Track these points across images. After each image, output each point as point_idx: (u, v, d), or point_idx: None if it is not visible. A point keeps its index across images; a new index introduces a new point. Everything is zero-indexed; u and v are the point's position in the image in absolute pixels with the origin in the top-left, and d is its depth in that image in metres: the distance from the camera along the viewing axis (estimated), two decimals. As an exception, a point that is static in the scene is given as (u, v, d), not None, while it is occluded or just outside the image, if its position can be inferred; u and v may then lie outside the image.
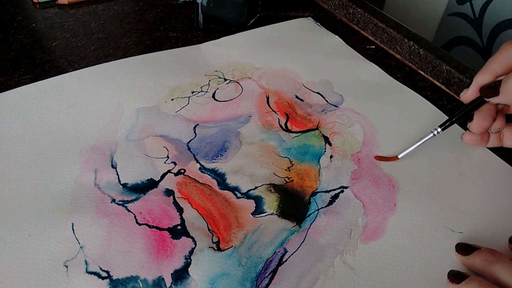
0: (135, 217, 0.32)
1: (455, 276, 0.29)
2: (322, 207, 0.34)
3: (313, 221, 0.33)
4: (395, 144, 0.40)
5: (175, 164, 0.37)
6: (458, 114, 0.37)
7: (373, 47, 0.55)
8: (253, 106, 0.43)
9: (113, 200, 0.33)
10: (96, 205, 0.33)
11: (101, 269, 0.29)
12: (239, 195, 0.35)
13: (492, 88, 0.34)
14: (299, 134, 0.40)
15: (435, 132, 0.37)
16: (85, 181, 0.34)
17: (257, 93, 0.45)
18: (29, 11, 0.56)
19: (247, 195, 0.35)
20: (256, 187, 0.35)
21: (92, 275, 0.29)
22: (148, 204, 0.33)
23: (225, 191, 0.35)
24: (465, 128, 0.38)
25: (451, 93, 0.47)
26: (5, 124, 0.39)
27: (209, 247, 0.31)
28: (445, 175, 0.37)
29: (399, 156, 0.38)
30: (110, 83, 0.44)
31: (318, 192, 0.35)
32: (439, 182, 0.37)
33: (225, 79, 0.46)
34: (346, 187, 0.36)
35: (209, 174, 0.36)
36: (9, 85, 0.43)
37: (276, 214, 0.33)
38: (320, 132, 0.41)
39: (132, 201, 0.33)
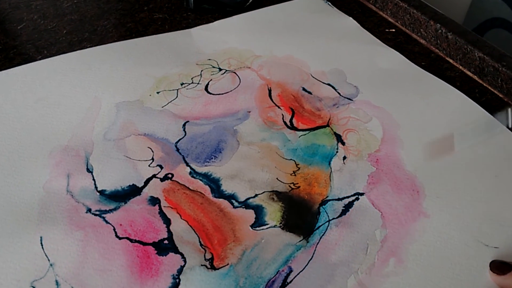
0: (114, 229, 0.32)
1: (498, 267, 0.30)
2: (333, 218, 0.34)
3: (322, 235, 0.33)
4: (421, 141, 0.40)
5: (161, 167, 0.37)
6: None
7: (393, 30, 0.54)
8: (253, 100, 0.43)
9: (89, 210, 0.33)
10: (68, 215, 0.33)
11: (74, 290, 0.29)
12: (236, 204, 0.34)
13: None
14: (307, 132, 0.40)
15: None
16: (55, 188, 0.34)
17: (257, 85, 0.45)
18: (-9, -11, 0.56)
19: (245, 204, 0.34)
20: (256, 195, 0.35)
21: (64, 298, 0.29)
22: (130, 215, 0.33)
23: (220, 200, 0.35)
24: None
25: (484, 84, 0.47)
26: (-38, 121, 0.39)
27: (201, 265, 0.31)
28: (479, 177, 0.37)
29: None
30: (85, 73, 0.44)
31: (329, 200, 0.35)
32: (471, 186, 0.37)
33: (220, 69, 0.46)
34: (361, 194, 0.36)
35: (201, 180, 0.36)
36: (-33, 76, 0.44)
37: (280, 227, 0.33)
38: (332, 129, 0.41)
39: (111, 210, 0.33)
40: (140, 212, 0.33)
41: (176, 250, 0.31)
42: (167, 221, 0.33)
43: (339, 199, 0.35)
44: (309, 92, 0.44)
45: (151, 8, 0.55)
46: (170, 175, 0.36)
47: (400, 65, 0.48)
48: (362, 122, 0.42)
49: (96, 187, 0.35)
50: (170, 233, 0.32)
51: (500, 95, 0.46)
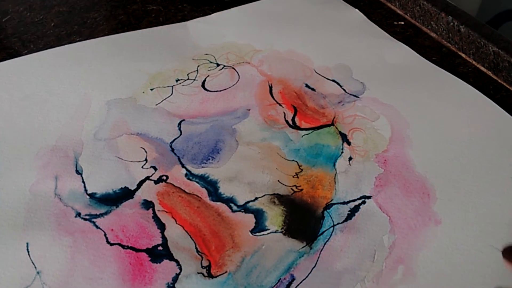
0: (105, 235, 0.32)
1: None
2: (338, 223, 0.34)
3: (327, 241, 0.33)
4: (432, 140, 0.40)
5: (155, 169, 0.37)
6: None
7: (402, 23, 0.54)
8: (253, 97, 0.43)
9: (78, 214, 0.33)
10: (56, 220, 0.33)
11: (62, 300, 0.29)
12: (235, 208, 0.34)
13: None
14: (310, 131, 0.40)
15: None
16: (43, 190, 0.34)
17: (258, 81, 0.45)
18: (-26, -20, 0.56)
19: (245, 208, 0.34)
20: (256, 198, 0.35)
21: (52, 308, 0.29)
22: (122, 219, 0.33)
23: (218, 203, 0.35)
24: None
25: (499, 80, 0.47)
26: None
27: (198, 273, 0.31)
28: (493, 179, 0.37)
29: None
30: (74, 69, 0.44)
31: (334, 203, 0.35)
32: (485, 189, 0.37)
33: (218, 65, 0.46)
34: (368, 197, 0.36)
35: (197, 182, 0.36)
36: (-52, 71, 0.43)
37: (281, 232, 0.33)
38: (337, 128, 0.41)
39: (101, 215, 0.33)
40: (133, 217, 0.33)
41: (171, 257, 0.31)
42: (161, 226, 0.33)
43: (344, 203, 0.35)
44: (313, 89, 0.44)
45: (144, 0, 0.55)
46: (164, 177, 0.36)
47: (409, 60, 0.48)
48: (369, 120, 0.42)
49: (86, 190, 0.35)
50: (164, 239, 0.32)
51: (516, 92, 0.46)
